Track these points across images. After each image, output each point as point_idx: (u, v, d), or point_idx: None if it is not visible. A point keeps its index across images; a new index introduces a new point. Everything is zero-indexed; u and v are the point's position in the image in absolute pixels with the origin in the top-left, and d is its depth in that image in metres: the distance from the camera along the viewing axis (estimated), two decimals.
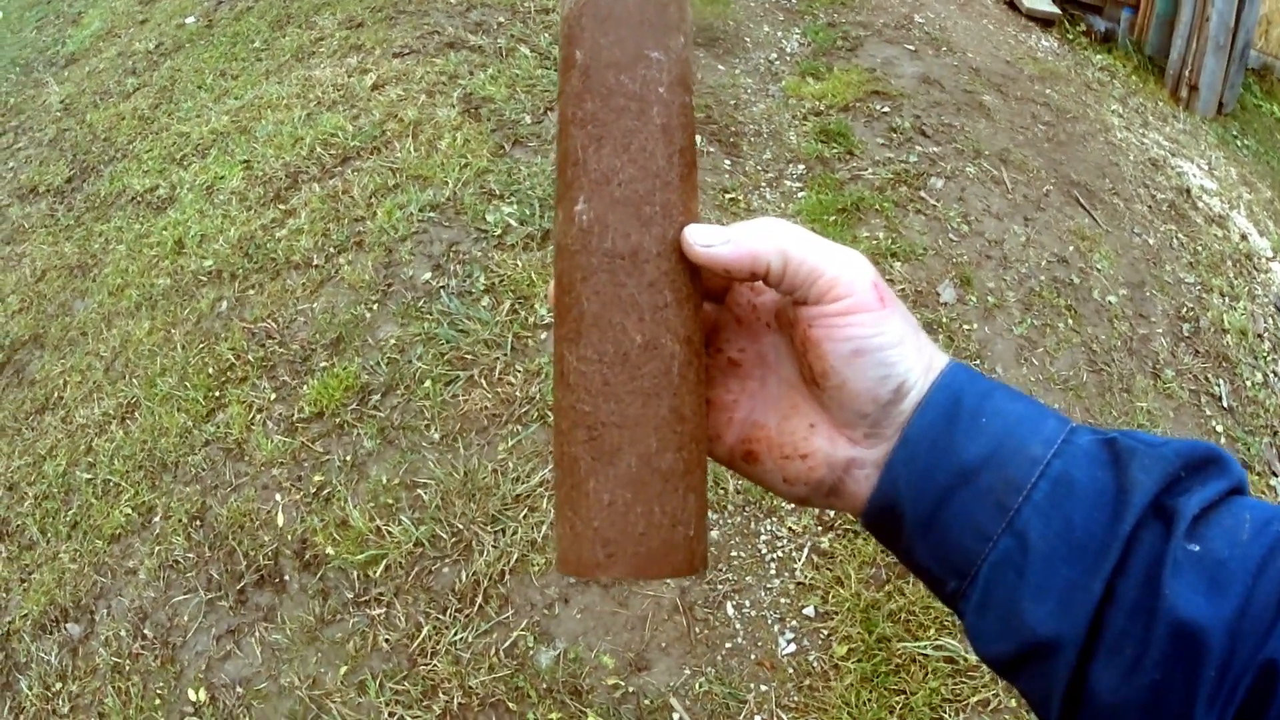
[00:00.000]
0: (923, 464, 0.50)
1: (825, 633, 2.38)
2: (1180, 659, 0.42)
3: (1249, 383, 3.42)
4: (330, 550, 2.53)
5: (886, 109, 4.19)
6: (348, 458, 2.72)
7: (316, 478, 2.70)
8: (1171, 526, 0.44)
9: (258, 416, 2.89)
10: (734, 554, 2.52)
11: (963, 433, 0.49)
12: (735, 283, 0.57)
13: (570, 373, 0.52)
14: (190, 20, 5.49)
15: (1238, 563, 0.43)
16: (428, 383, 2.85)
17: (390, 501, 2.61)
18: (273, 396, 2.93)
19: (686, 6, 0.55)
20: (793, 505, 2.31)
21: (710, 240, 0.51)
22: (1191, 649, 0.42)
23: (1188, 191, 4.33)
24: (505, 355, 2.92)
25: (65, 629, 2.61)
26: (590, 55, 0.52)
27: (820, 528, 2.60)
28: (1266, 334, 3.68)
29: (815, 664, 2.33)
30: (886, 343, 0.50)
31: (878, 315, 0.50)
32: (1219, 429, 3.18)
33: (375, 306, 3.10)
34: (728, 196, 3.65)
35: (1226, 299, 3.74)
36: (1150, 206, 4.09)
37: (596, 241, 0.51)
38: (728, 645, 2.36)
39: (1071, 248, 3.62)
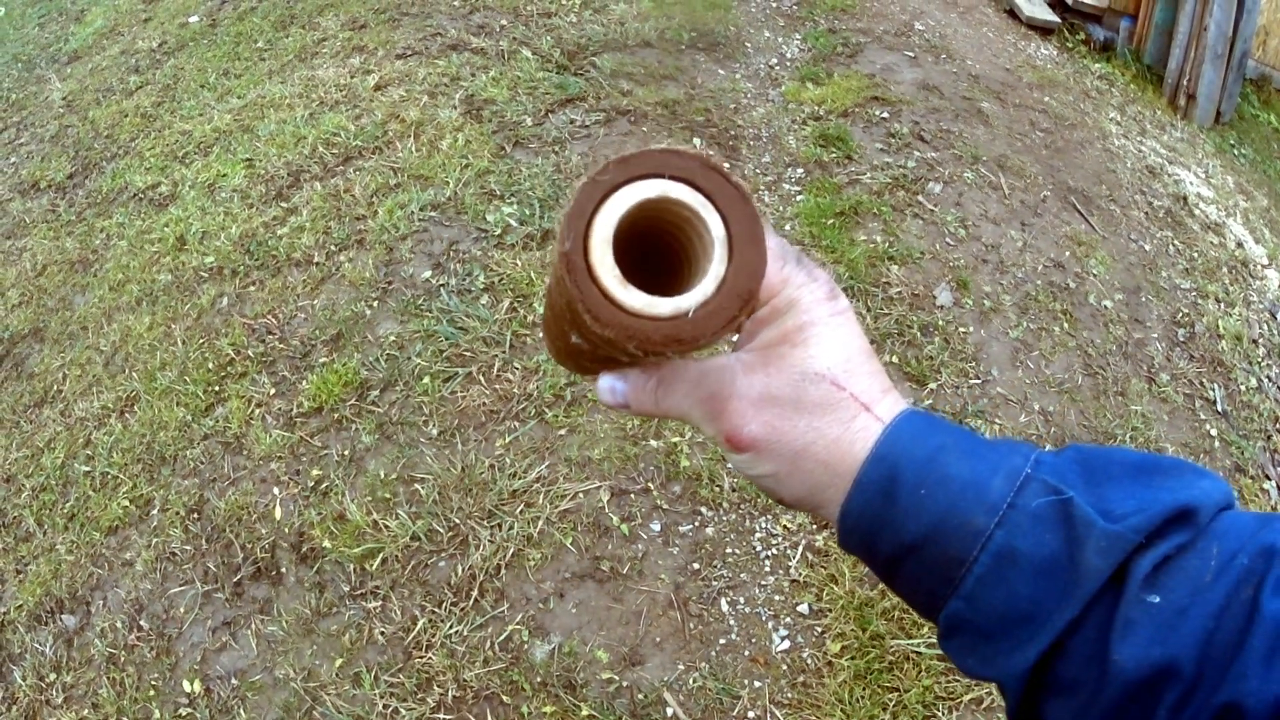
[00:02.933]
0: (865, 538, 0.50)
1: (819, 630, 2.39)
2: (1135, 703, 0.43)
3: (1243, 387, 3.44)
4: (327, 543, 2.54)
5: (885, 114, 4.21)
6: (346, 452, 2.74)
7: (314, 472, 2.71)
8: (1124, 587, 0.44)
9: (257, 411, 2.91)
10: (729, 551, 2.54)
11: (901, 510, 0.48)
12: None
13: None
14: (193, 19, 5.51)
15: (1199, 608, 0.43)
16: (426, 379, 2.86)
17: (387, 496, 2.62)
18: (272, 391, 2.94)
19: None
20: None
21: (609, 401, 0.55)
22: (1147, 695, 0.43)
23: (1184, 199, 4.35)
24: (504, 353, 2.93)
25: (61, 620, 2.62)
26: None
27: (815, 526, 2.61)
28: (1261, 340, 3.69)
29: (809, 661, 2.34)
30: (760, 474, 0.52)
31: (745, 459, 0.52)
32: (1213, 433, 3.19)
33: (375, 304, 3.12)
34: None
35: (1222, 305, 3.75)
36: (1147, 213, 4.11)
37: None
38: (722, 641, 2.36)
39: (1068, 253, 3.63)
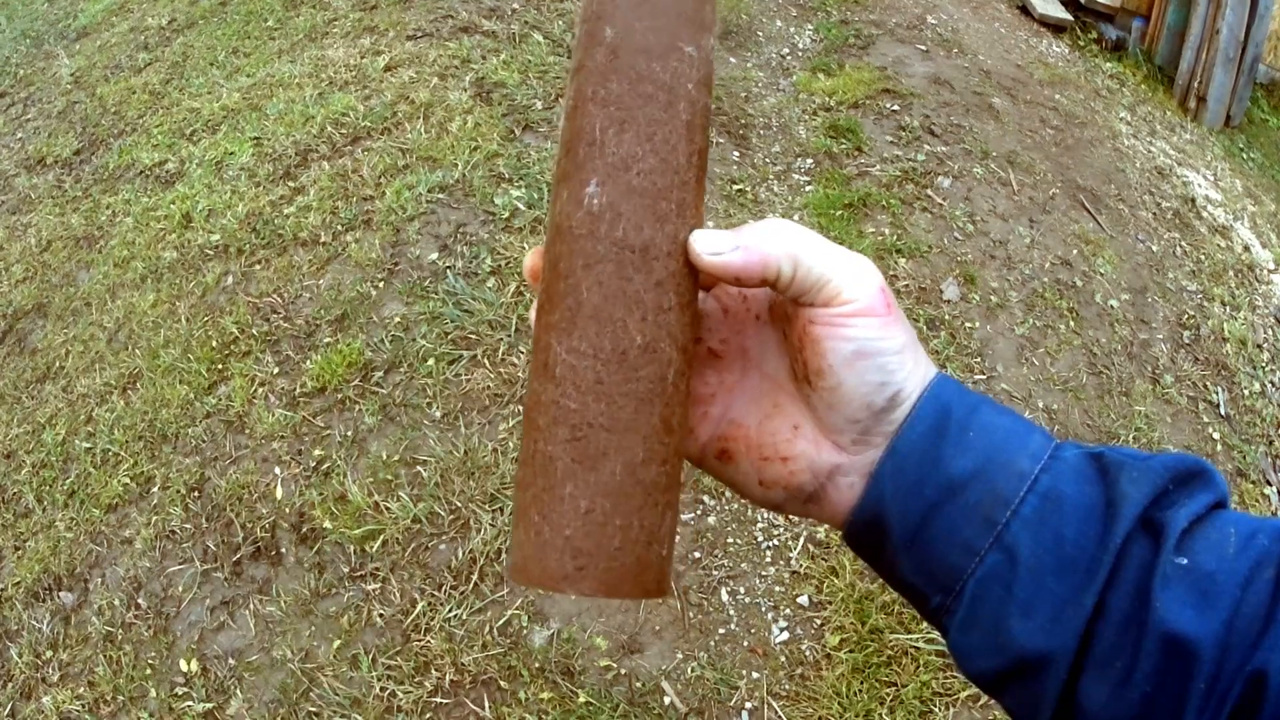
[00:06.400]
0: (910, 477, 0.49)
1: (818, 622, 2.39)
2: (1171, 671, 0.43)
3: (1247, 391, 3.43)
4: (328, 524, 2.54)
5: (896, 107, 4.20)
6: (348, 433, 2.73)
7: (316, 452, 2.70)
8: (1161, 540, 0.45)
9: (260, 390, 2.90)
10: (730, 541, 2.53)
11: (951, 446, 0.48)
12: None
13: (557, 364, 0.48)
14: None
15: (1225, 576, 0.43)
16: (431, 361, 2.86)
17: (389, 478, 2.61)
18: (275, 371, 2.93)
19: (715, 9, 0.53)
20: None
21: (719, 248, 0.48)
22: (1182, 661, 0.42)
23: (1192, 201, 4.34)
24: (509, 336, 2.92)
25: (58, 597, 2.61)
26: (622, 35, 0.49)
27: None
28: (1266, 344, 3.68)
29: (807, 653, 2.33)
30: (888, 348, 0.49)
31: (883, 321, 0.49)
32: (1216, 436, 3.19)
33: (381, 285, 3.11)
34: (735, 188, 3.65)
35: (1227, 308, 3.74)
36: (1155, 214, 4.09)
37: (606, 229, 0.48)
38: (721, 631, 2.36)
39: (1075, 251, 3.62)
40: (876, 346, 0.49)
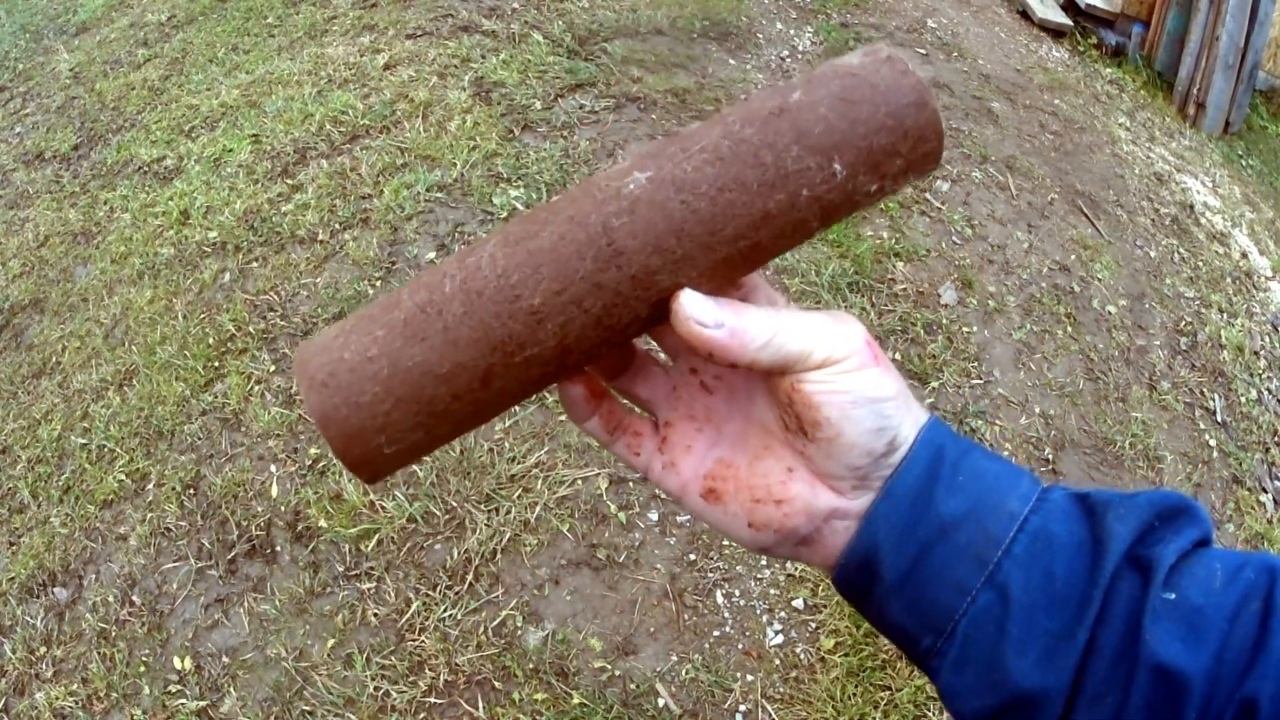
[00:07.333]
0: (904, 518, 0.49)
1: (813, 625, 2.39)
2: (1163, 705, 0.43)
3: (1243, 399, 3.43)
4: (323, 523, 2.53)
5: None
6: None
7: (312, 450, 2.70)
8: (1149, 576, 0.45)
9: (256, 388, 2.89)
10: (725, 543, 2.53)
11: (943, 489, 0.49)
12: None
13: (473, 255, 0.49)
14: None
15: (1213, 609, 0.44)
16: None
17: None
18: (272, 369, 2.93)
19: (910, 173, 0.51)
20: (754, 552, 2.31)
21: (705, 318, 0.48)
22: (1174, 694, 0.43)
23: (1191, 207, 4.34)
24: None
25: (52, 593, 2.61)
26: (798, 107, 0.49)
27: None
28: (1263, 352, 3.69)
29: (802, 656, 2.33)
30: (883, 395, 0.49)
31: (876, 371, 0.49)
32: (1212, 443, 3.19)
33: (378, 283, 3.10)
34: None
35: (1225, 315, 3.75)
36: (1153, 220, 4.10)
37: (611, 211, 0.47)
38: (716, 634, 2.36)
39: (1073, 256, 3.62)
40: (871, 394, 0.49)
